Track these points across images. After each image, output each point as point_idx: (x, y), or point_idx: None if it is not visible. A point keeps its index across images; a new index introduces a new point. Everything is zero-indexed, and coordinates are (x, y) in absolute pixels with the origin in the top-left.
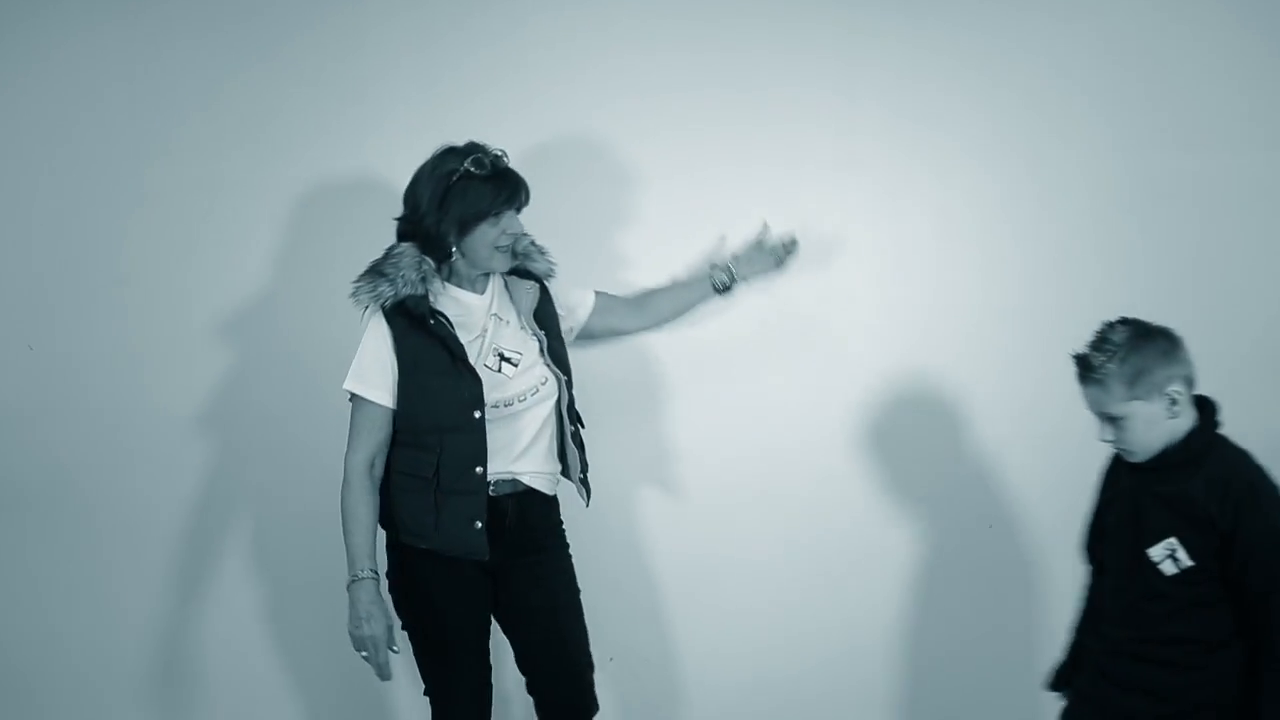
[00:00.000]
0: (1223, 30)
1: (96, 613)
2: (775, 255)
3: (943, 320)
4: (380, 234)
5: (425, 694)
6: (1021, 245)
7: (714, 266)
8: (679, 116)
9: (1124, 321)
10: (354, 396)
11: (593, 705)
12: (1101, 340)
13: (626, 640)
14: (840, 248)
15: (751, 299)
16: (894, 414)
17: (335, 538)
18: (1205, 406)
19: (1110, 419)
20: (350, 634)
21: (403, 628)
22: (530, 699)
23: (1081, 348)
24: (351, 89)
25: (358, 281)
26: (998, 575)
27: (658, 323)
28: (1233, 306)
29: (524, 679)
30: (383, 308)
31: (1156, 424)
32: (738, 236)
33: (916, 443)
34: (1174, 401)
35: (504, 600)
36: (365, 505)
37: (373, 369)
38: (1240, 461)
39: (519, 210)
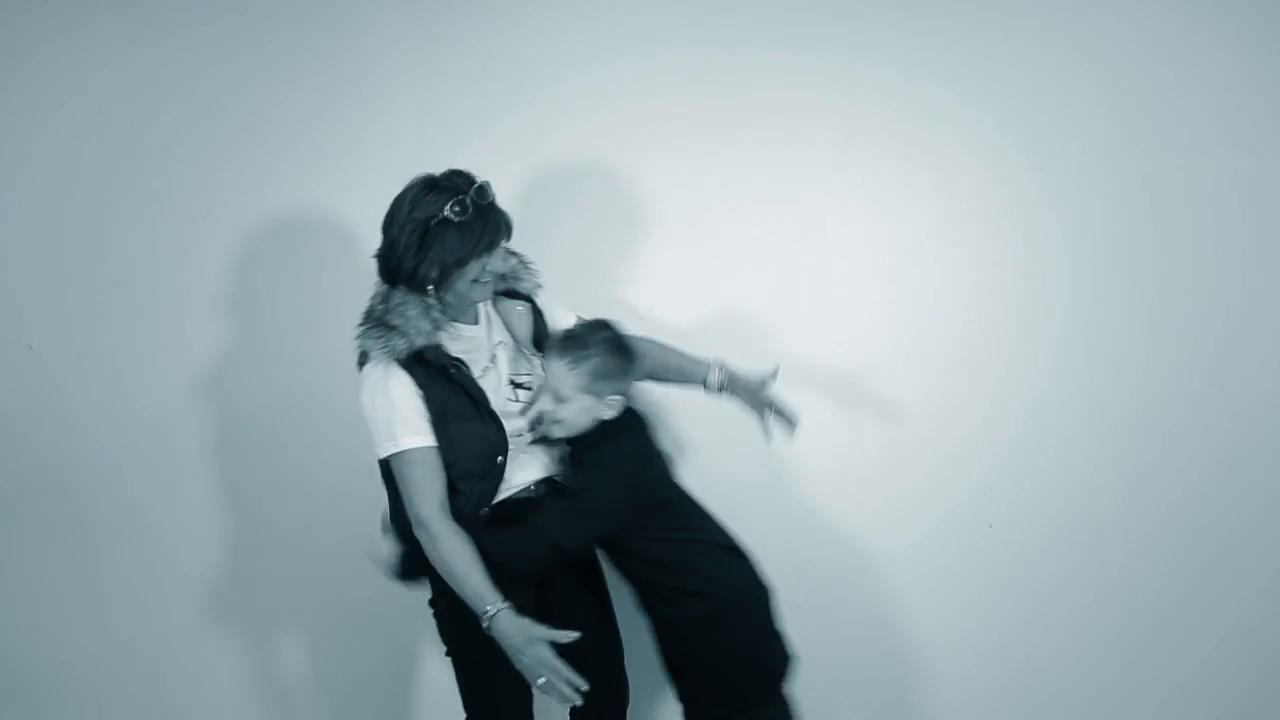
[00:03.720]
0: (1222, 33)
1: (95, 613)
2: (761, 405)
3: (942, 320)
4: (380, 228)
5: None
6: (1021, 245)
7: (718, 366)
8: (678, 119)
9: (609, 325)
10: (403, 453)
11: (628, 691)
12: (589, 332)
13: (627, 640)
14: (840, 248)
15: (751, 299)
16: (893, 413)
17: (334, 538)
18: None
19: (559, 396)
20: (524, 673)
21: (446, 654)
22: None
23: (573, 330)
24: (353, 90)
25: (365, 336)
26: (998, 575)
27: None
28: (1230, 306)
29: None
30: (397, 359)
31: (586, 414)
32: (735, 238)
33: (916, 442)
34: (609, 407)
35: (552, 614)
36: (462, 546)
37: (412, 417)
38: (618, 451)
39: (504, 243)
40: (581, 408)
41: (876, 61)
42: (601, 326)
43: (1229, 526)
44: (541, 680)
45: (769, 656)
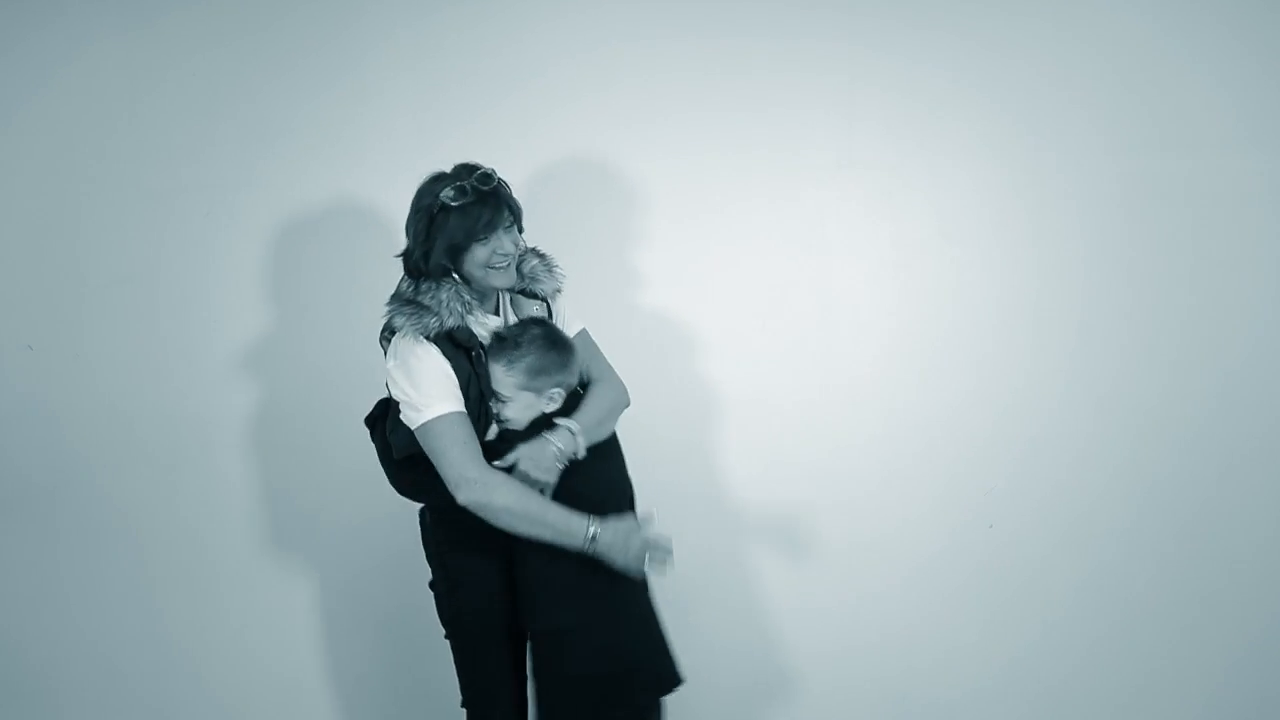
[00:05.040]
0: (1214, 34)
1: (96, 612)
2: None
3: (942, 320)
4: (377, 228)
5: (463, 705)
6: (1022, 245)
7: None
8: (678, 120)
9: (540, 322)
10: (442, 417)
11: None
12: (520, 332)
13: None
14: (840, 248)
15: (752, 298)
16: (894, 414)
17: (333, 535)
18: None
19: (500, 397)
20: (631, 567)
21: (445, 636)
22: None
23: (503, 331)
24: (355, 88)
25: (396, 314)
26: (998, 575)
27: None
28: (1228, 306)
29: None
30: (426, 336)
31: (530, 410)
32: (735, 235)
33: (916, 442)
34: (550, 400)
35: None
36: (519, 486)
37: (447, 384)
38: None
39: (514, 228)
40: (524, 404)
41: (877, 66)
42: (533, 324)
43: (1241, 533)
44: (647, 560)
45: (632, 676)
